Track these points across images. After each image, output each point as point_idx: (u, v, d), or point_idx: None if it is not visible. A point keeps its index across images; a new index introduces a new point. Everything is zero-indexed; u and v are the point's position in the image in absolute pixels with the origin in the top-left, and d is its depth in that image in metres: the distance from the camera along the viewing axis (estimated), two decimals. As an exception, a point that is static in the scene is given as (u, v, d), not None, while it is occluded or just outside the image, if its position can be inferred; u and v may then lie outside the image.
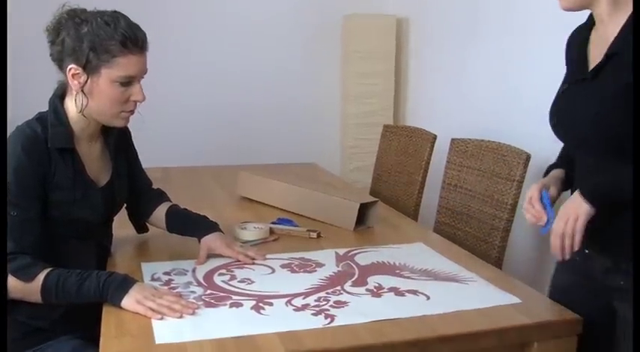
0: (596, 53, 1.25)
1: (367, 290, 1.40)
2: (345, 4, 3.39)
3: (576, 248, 1.21)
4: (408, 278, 1.47)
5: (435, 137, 2.47)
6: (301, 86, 3.48)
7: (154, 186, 1.75)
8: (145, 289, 1.29)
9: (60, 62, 1.37)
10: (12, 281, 1.28)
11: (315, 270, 1.52)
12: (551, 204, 1.30)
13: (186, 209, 1.70)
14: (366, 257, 1.62)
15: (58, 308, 1.38)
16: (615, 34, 1.19)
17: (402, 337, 1.18)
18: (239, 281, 1.43)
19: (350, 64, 3.36)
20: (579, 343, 1.27)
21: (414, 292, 1.38)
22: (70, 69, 1.35)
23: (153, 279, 1.43)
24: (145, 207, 1.71)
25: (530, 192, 1.32)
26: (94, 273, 1.30)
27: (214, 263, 1.55)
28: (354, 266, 1.56)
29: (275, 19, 3.38)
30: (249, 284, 1.42)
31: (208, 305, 1.30)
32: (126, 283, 1.29)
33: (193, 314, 1.25)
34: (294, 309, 1.28)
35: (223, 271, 1.50)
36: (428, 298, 1.35)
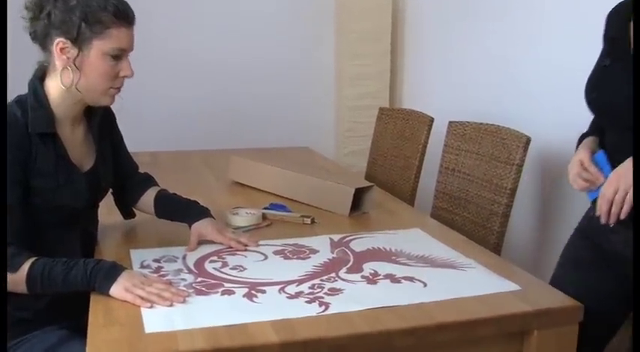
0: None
1: (362, 277, 1.37)
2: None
3: (623, 217, 1.22)
4: (405, 264, 1.45)
5: (432, 120, 2.43)
6: (294, 68, 3.41)
7: (142, 171, 1.72)
8: (134, 277, 1.26)
9: (44, 38, 1.32)
10: None
11: (309, 257, 1.49)
12: (609, 163, 1.30)
13: (175, 194, 1.67)
14: (361, 243, 1.60)
15: (42, 298, 1.35)
16: None
17: (399, 325, 1.16)
18: (231, 269, 1.41)
19: (344, 44, 3.30)
20: (580, 329, 1.25)
21: (411, 279, 1.36)
22: (59, 43, 1.30)
23: (142, 267, 1.41)
24: (131, 192, 1.67)
25: (579, 156, 1.33)
26: (80, 261, 1.26)
27: (205, 249, 1.52)
28: (349, 252, 1.53)
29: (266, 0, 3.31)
30: (241, 271, 1.40)
31: (199, 292, 1.27)
32: (114, 271, 1.26)
33: (184, 302, 1.22)
34: (287, 297, 1.26)
35: (215, 258, 1.47)
36: (425, 285, 1.33)
